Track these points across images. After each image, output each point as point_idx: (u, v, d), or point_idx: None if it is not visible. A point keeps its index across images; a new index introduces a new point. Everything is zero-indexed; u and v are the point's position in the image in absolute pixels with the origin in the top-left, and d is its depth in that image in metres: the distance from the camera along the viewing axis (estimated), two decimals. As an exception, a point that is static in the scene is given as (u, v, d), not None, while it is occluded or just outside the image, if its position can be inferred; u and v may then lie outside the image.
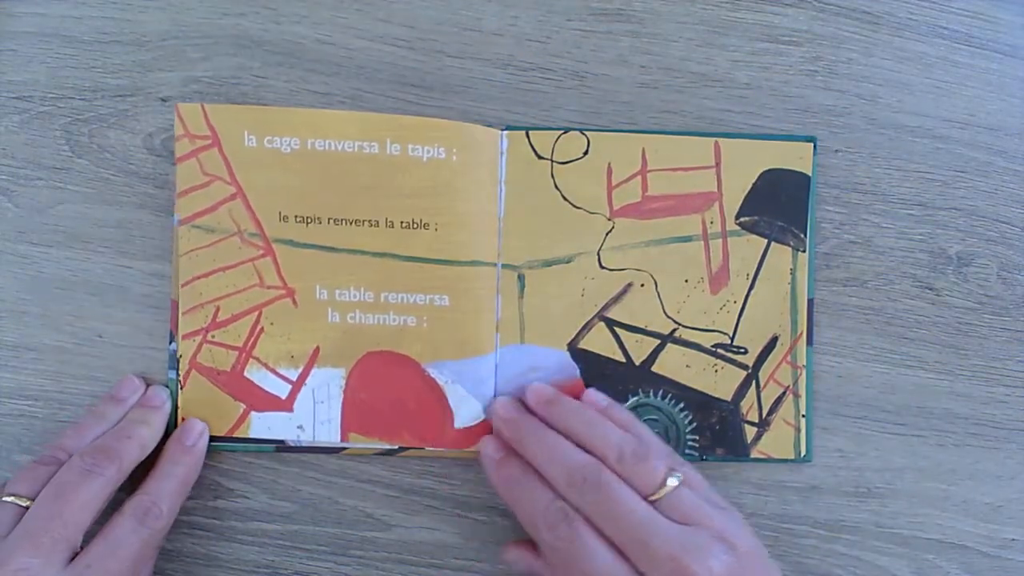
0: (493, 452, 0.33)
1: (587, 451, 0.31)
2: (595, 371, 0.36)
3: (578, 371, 0.36)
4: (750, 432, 0.36)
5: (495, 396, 0.35)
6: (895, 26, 0.37)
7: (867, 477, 0.36)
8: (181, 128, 0.35)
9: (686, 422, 0.36)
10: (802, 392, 0.36)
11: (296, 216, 0.35)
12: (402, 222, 0.35)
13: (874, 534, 0.36)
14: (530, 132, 0.36)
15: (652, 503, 0.29)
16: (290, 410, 0.35)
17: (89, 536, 0.30)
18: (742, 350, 0.36)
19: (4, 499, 0.29)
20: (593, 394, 0.35)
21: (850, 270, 0.37)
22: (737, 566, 0.28)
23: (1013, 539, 0.37)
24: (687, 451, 0.36)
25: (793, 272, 0.36)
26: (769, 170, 0.36)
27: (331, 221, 0.35)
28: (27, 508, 0.29)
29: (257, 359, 0.35)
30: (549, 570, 0.31)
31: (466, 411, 0.35)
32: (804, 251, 0.36)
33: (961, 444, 0.37)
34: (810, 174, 0.36)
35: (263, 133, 0.35)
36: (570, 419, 0.32)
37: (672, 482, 0.30)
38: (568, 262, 0.36)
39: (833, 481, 0.36)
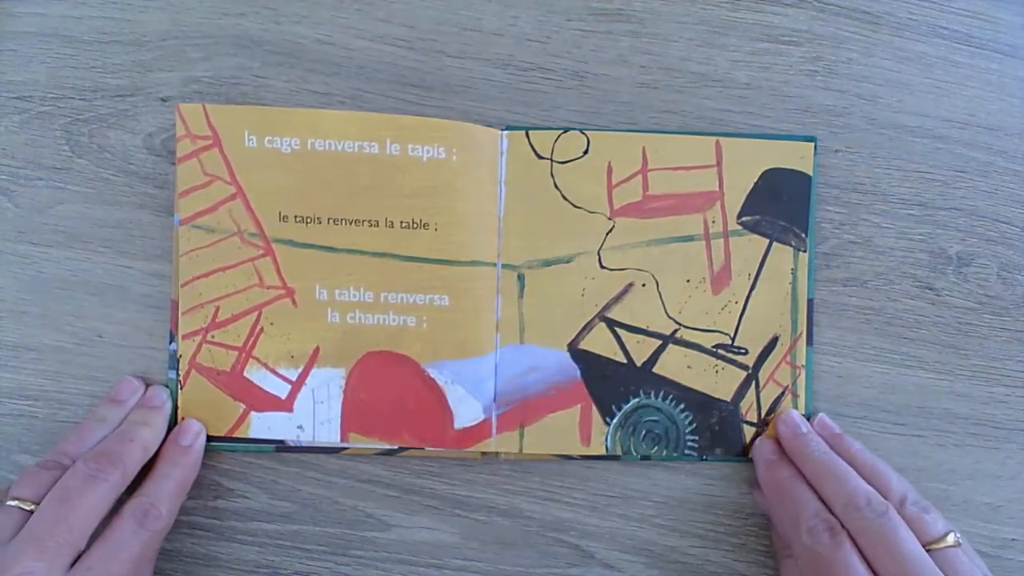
0: (769, 453, 0.35)
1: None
2: (596, 372, 0.36)
3: (578, 372, 0.36)
4: (749, 432, 0.36)
5: (495, 397, 0.35)
6: (895, 26, 0.37)
7: (867, 477, 0.36)
8: (182, 128, 0.35)
9: (686, 422, 0.36)
10: (801, 392, 0.36)
11: (296, 216, 0.35)
12: (402, 222, 0.35)
13: (874, 534, 0.37)
14: (530, 132, 0.36)
15: (928, 551, 0.30)
16: (290, 410, 0.35)
17: (93, 537, 0.30)
18: (743, 350, 0.36)
19: (8, 503, 0.29)
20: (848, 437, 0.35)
21: (850, 270, 0.37)
22: None
23: (1013, 539, 0.37)
24: (687, 451, 0.36)
25: (794, 272, 0.36)
26: (770, 170, 0.36)
27: (331, 221, 0.35)
28: (31, 512, 0.29)
29: (257, 359, 0.35)
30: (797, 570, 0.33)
31: (466, 411, 0.35)
32: (805, 251, 0.36)
33: (961, 444, 0.37)
34: (811, 174, 0.36)
35: (263, 133, 0.35)
36: (856, 456, 0.33)
37: (951, 539, 0.30)
38: (568, 262, 0.36)
39: (833, 481, 0.36)
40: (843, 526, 0.30)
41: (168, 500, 0.31)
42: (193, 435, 0.34)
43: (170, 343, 0.35)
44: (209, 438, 0.35)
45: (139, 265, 0.35)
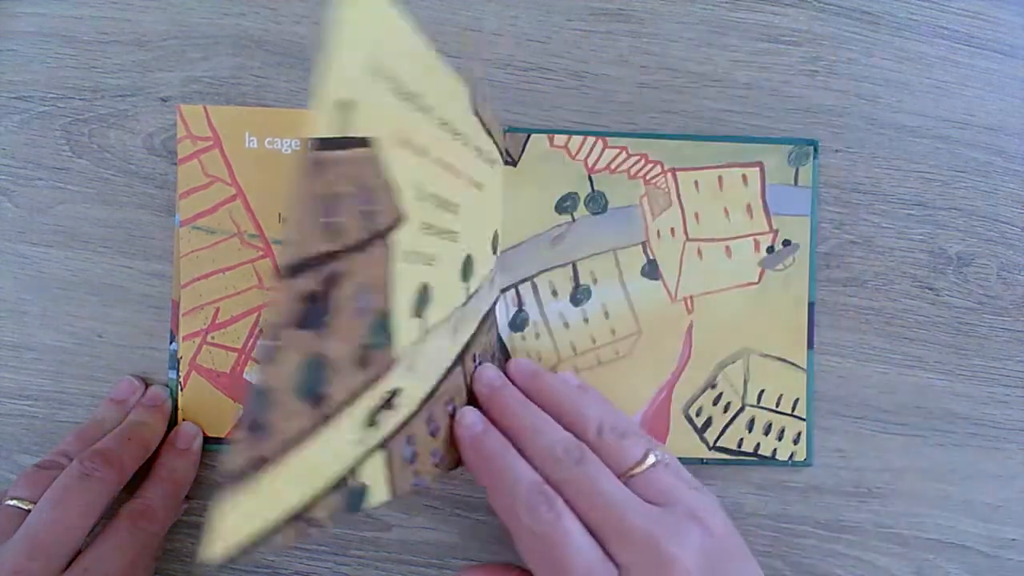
0: (475, 422, 0.30)
1: (566, 427, 0.30)
2: (595, 371, 0.36)
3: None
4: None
5: None
6: (895, 26, 0.37)
7: (867, 477, 0.36)
8: (183, 130, 0.35)
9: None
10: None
11: (296, 216, 0.35)
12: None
13: (874, 534, 0.36)
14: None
15: (629, 480, 0.28)
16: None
17: (89, 538, 0.30)
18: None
19: (7, 503, 0.29)
20: (567, 375, 0.34)
21: (850, 270, 0.37)
22: (712, 546, 0.27)
23: (1013, 539, 0.37)
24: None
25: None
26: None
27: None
28: (28, 512, 0.29)
29: (256, 360, 0.35)
30: (523, 557, 0.29)
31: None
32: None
33: (961, 444, 0.37)
34: (811, 175, 0.36)
35: (264, 134, 0.35)
36: (552, 394, 0.31)
37: (650, 459, 0.29)
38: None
39: (833, 481, 0.36)
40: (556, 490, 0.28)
41: (165, 502, 0.32)
42: (190, 438, 0.34)
43: (171, 343, 0.35)
44: (209, 439, 0.35)
45: (139, 265, 0.35)
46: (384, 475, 0.25)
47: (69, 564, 0.28)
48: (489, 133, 0.32)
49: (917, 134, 0.37)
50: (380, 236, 0.23)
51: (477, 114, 0.29)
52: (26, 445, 0.35)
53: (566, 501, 0.27)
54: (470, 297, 0.31)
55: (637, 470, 0.28)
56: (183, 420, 0.35)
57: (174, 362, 0.35)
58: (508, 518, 0.28)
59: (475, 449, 0.30)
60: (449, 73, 0.26)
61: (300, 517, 0.21)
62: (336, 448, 0.22)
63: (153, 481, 0.32)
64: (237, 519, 0.18)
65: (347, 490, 0.23)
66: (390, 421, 0.25)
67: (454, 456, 0.30)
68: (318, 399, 0.21)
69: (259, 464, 0.19)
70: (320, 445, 0.21)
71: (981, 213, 0.37)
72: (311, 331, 0.20)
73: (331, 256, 0.20)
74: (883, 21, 0.37)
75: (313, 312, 0.20)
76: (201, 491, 0.35)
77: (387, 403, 0.24)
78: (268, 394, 0.19)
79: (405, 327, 0.25)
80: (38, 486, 0.30)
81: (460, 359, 0.30)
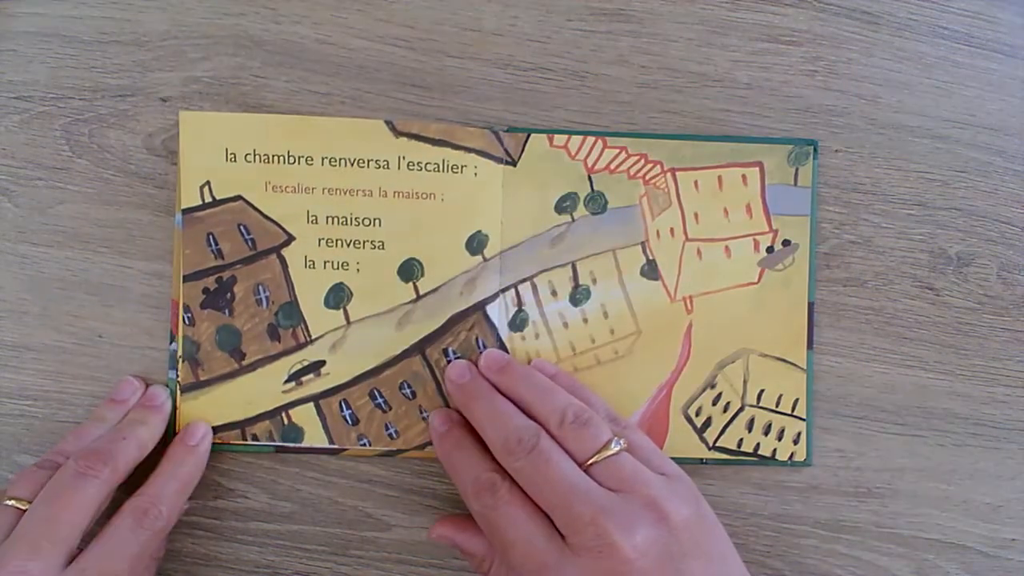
0: (439, 424, 0.33)
1: (532, 417, 0.30)
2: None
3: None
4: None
5: None
6: (895, 26, 0.37)
7: (867, 477, 0.36)
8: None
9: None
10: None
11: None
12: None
13: (874, 534, 0.36)
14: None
15: (590, 467, 0.29)
16: (290, 410, 0.36)
17: (91, 537, 0.30)
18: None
19: (5, 502, 0.29)
20: (541, 361, 0.35)
21: (850, 270, 0.37)
22: (665, 537, 0.27)
23: (1013, 539, 0.37)
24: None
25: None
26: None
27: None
28: (25, 511, 0.29)
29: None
30: (485, 542, 0.31)
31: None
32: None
33: (961, 444, 0.37)
34: (810, 175, 0.36)
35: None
36: (519, 384, 0.32)
37: (613, 447, 0.29)
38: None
39: (833, 481, 0.36)
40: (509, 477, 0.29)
41: (169, 500, 0.31)
42: (200, 435, 0.34)
43: (171, 343, 0.35)
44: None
45: (139, 265, 0.35)
46: (318, 423, 0.35)
47: (70, 562, 0.28)
48: (455, 146, 0.35)
49: (917, 134, 0.37)
50: (269, 252, 0.35)
51: (416, 135, 0.35)
52: (26, 445, 0.35)
53: (522, 487, 0.29)
54: (423, 295, 0.35)
55: (598, 457, 0.29)
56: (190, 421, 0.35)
57: (173, 362, 0.35)
58: (467, 507, 0.31)
59: (439, 447, 0.33)
60: (337, 121, 0.35)
61: (242, 428, 0.35)
62: (263, 389, 0.35)
63: (158, 479, 0.32)
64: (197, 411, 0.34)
65: (282, 424, 0.35)
66: (316, 384, 0.35)
67: (417, 438, 0.35)
68: (239, 354, 0.35)
69: (199, 384, 0.35)
70: (248, 384, 0.35)
71: (981, 213, 0.37)
72: (217, 311, 0.35)
73: (219, 268, 0.35)
74: (883, 21, 0.37)
75: (214, 299, 0.35)
76: (201, 491, 0.35)
77: (308, 369, 0.35)
78: (198, 344, 0.35)
79: (320, 316, 0.35)
80: (36, 485, 0.30)
81: (419, 350, 0.35)
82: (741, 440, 0.36)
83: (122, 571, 0.29)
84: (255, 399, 0.35)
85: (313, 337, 0.35)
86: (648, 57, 0.37)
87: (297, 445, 0.35)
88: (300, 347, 0.35)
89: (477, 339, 0.35)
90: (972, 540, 0.37)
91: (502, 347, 0.35)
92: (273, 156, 0.35)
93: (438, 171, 0.35)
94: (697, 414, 0.36)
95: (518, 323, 0.36)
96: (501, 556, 0.30)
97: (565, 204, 0.36)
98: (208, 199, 0.34)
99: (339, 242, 0.35)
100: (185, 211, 0.34)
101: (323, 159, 0.35)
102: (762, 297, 0.36)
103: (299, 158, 0.35)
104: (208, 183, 0.34)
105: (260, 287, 0.35)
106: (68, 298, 0.35)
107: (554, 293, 0.36)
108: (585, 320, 0.36)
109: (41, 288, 0.35)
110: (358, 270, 0.35)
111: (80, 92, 0.36)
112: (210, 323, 0.34)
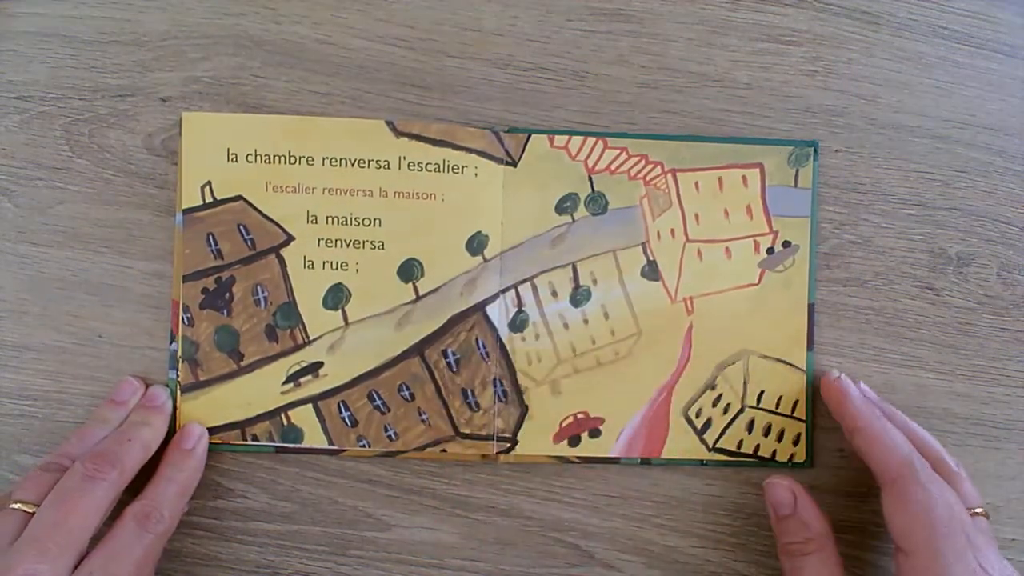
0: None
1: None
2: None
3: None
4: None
5: None
6: (895, 26, 0.37)
7: (867, 477, 0.36)
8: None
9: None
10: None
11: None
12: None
13: (874, 534, 0.36)
14: None
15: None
16: (290, 410, 0.36)
17: (96, 540, 0.30)
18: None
19: (12, 506, 0.29)
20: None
21: (850, 270, 0.37)
22: None
23: (1013, 539, 0.37)
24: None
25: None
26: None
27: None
28: (33, 515, 0.29)
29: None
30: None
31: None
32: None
33: (961, 444, 0.37)
34: (811, 176, 0.36)
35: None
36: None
37: (980, 511, 0.32)
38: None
39: (833, 481, 0.36)
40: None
41: (170, 504, 0.31)
42: (195, 439, 0.34)
43: (171, 343, 0.35)
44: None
45: (139, 265, 0.35)
46: (317, 425, 0.35)
47: (76, 566, 0.28)
48: (455, 146, 0.35)
49: (917, 134, 0.37)
50: (268, 253, 0.35)
51: (418, 136, 0.35)
52: (26, 445, 0.35)
53: None
54: (423, 296, 0.35)
55: (976, 510, 0.32)
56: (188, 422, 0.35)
57: (173, 362, 0.35)
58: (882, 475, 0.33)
59: (862, 406, 0.34)
60: (337, 121, 0.35)
61: (242, 429, 0.35)
62: (261, 390, 0.35)
63: (158, 483, 0.32)
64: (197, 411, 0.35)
65: (282, 425, 0.35)
66: (314, 385, 0.35)
67: (417, 440, 0.35)
68: (237, 355, 0.35)
69: (199, 385, 0.35)
70: (247, 385, 0.35)
71: (981, 213, 0.37)
72: (216, 311, 0.35)
73: (218, 268, 0.35)
74: (883, 21, 0.37)
75: (212, 300, 0.35)
76: (201, 491, 0.35)
77: (306, 370, 0.35)
78: (197, 344, 0.35)
79: (318, 316, 0.35)
80: (40, 488, 0.30)
81: (418, 352, 0.35)
82: (741, 441, 0.36)
83: (127, 574, 0.29)
84: (254, 400, 0.35)
85: (311, 338, 0.35)
86: (648, 57, 0.37)
87: (297, 446, 0.35)
88: (298, 348, 0.35)
89: (477, 340, 0.35)
90: (972, 540, 0.37)
91: (502, 348, 0.35)
92: (274, 156, 0.35)
93: (438, 171, 0.35)
94: (697, 415, 0.36)
95: (518, 324, 0.36)
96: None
97: (565, 205, 0.36)
98: (209, 199, 0.35)
99: (339, 242, 0.35)
100: (186, 211, 0.35)
101: (324, 159, 0.35)
102: (762, 298, 0.36)
103: (300, 158, 0.35)
104: (209, 183, 0.34)
105: (258, 287, 0.35)
106: (68, 298, 0.35)
107: (554, 294, 0.36)
108: (585, 321, 0.36)
109: (41, 288, 0.35)
110: (357, 270, 0.35)
111: (80, 92, 0.36)
112: (209, 323, 0.34)
